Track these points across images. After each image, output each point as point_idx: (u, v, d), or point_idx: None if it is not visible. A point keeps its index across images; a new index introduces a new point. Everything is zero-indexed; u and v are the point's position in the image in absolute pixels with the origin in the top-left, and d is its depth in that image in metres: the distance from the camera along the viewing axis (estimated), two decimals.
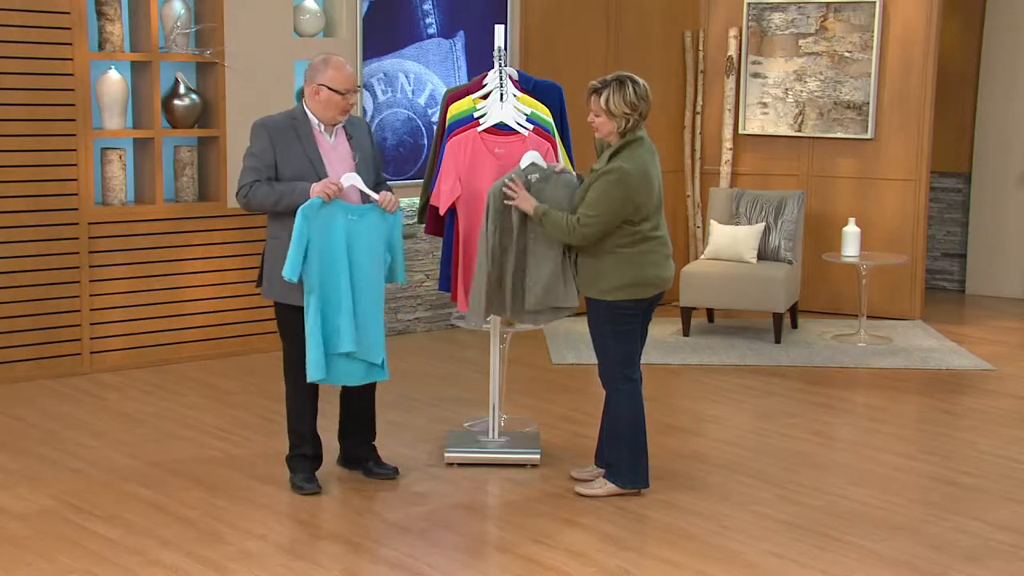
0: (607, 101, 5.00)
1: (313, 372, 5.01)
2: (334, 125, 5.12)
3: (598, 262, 5.10)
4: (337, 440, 5.48)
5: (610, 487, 5.23)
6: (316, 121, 5.10)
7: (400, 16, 8.13)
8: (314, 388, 5.23)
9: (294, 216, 4.97)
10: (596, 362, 5.27)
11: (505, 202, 5.21)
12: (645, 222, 5.07)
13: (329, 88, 5.02)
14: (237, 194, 5.08)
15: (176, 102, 7.30)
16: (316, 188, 4.96)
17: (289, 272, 4.94)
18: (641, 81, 5.07)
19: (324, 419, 5.38)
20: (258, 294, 7.54)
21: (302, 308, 5.04)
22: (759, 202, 8.69)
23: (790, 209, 8.57)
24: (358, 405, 5.38)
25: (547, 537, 4.76)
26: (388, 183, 5.34)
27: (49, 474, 5.41)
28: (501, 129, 5.48)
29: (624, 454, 5.21)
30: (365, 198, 5.11)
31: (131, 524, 4.83)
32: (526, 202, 5.18)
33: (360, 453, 5.41)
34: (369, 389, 5.37)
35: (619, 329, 5.14)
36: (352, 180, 5.05)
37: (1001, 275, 10.15)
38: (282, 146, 5.04)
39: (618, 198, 4.98)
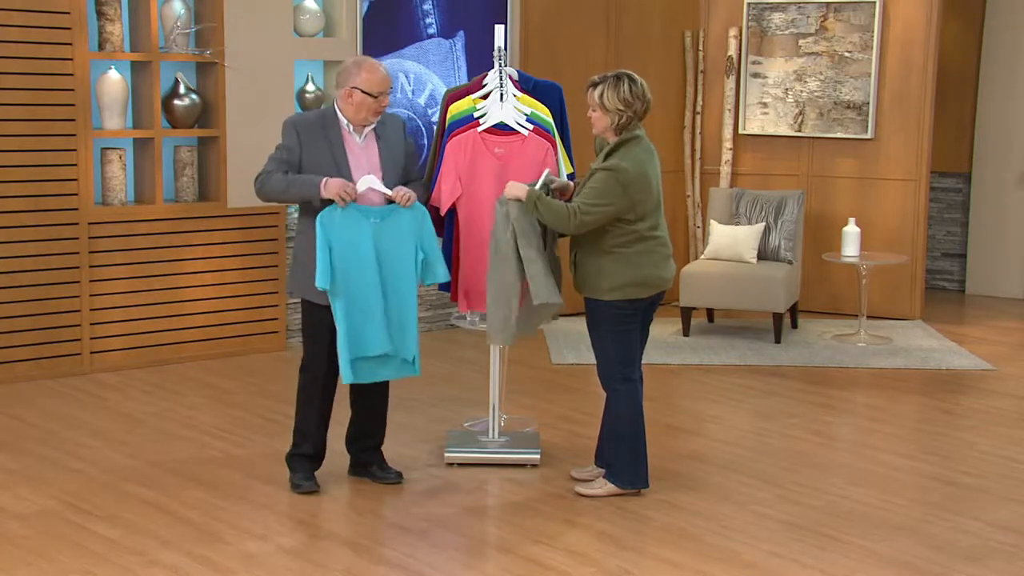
0: (601, 95, 5.04)
1: (344, 376, 5.05)
2: (364, 126, 5.13)
3: (597, 262, 5.10)
4: (345, 447, 5.46)
5: (610, 487, 5.23)
6: (346, 122, 5.10)
7: (400, 16, 8.13)
8: (327, 389, 5.22)
9: (308, 211, 5.02)
10: (595, 362, 5.27)
11: (507, 197, 5.17)
12: (641, 221, 5.07)
13: (362, 91, 5.02)
14: (255, 181, 5.11)
15: (176, 102, 7.30)
16: (333, 186, 4.95)
17: (321, 281, 4.95)
18: (639, 80, 5.08)
19: (335, 424, 5.37)
20: (257, 294, 7.62)
21: (324, 306, 5.06)
22: (759, 202, 8.69)
23: (790, 209, 8.57)
24: (370, 409, 5.36)
25: (547, 537, 4.76)
26: (421, 180, 5.34)
27: (49, 474, 5.41)
28: (501, 129, 5.48)
29: (624, 454, 5.21)
30: (388, 199, 5.12)
31: (131, 524, 4.83)
32: (517, 188, 5.15)
33: (366, 457, 5.41)
34: (383, 393, 5.37)
35: (617, 329, 5.15)
36: (369, 183, 5.04)
37: (1001, 275, 10.15)
38: (309, 144, 5.06)
39: (618, 193, 4.98)
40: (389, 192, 5.06)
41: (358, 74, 5.03)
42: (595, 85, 5.09)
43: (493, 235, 5.25)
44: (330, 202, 4.97)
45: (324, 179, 4.96)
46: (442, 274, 5.19)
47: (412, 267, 5.11)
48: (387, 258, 5.04)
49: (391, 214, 5.06)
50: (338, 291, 4.98)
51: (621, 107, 5.02)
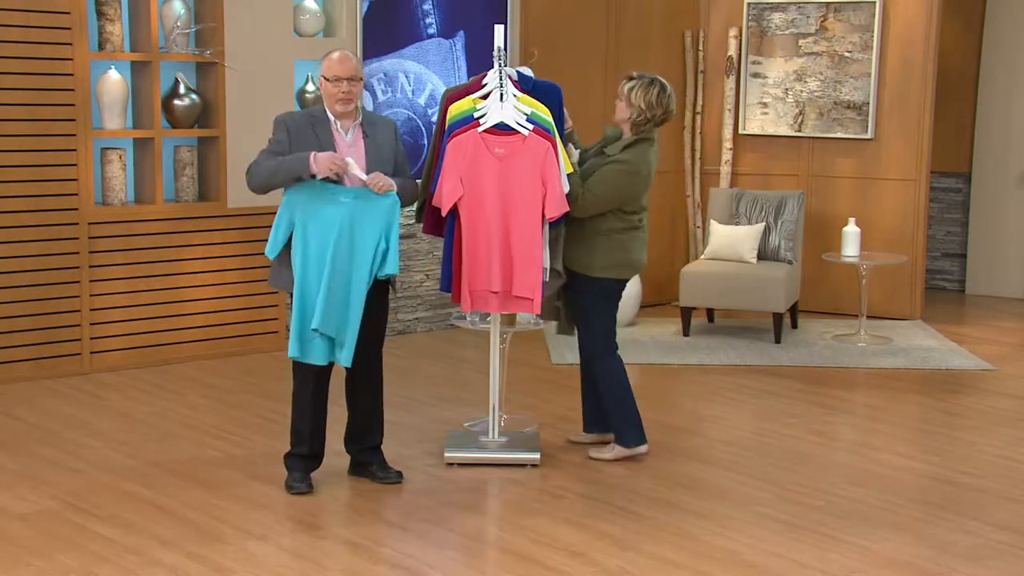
0: (631, 90, 5.56)
1: (290, 348, 5.04)
2: (347, 120, 5.14)
3: (591, 242, 5.56)
4: (344, 447, 5.46)
5: (619, 450, 5.69)
6: (333, 119, 5.13)
7: (400, 16, 8.13)
8: (319, 388, 5.22)
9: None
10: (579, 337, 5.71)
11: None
12: (635, 213, 5.63)
13: (324, 77, 5.09)
14: (245, 174, 5.13)
15: (176, 102, 7.30)
16: (323, 159, 4.96)
17: (268, 249, 5.08)
18: (670, 92, 5.60)
19: (336, 424, 5.37)
20: (258, 294, 7.62)
21: None
22: (759, 202, 8.69)
23: (790, 209, 8.57)
24: (363, 408, 5.37)
25: (547, 537, 4.76)
26: (412, 180, 5.34)
27: (49, 474, 5.41)
28: (501, 129, 5.47)
29: (624, 417, 5.67)
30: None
31: (131, 524, 4.83)
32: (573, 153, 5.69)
33: (365, 457, 5.41)
34: (376, 390, 5.37)
35: (605, 305, 5.66)
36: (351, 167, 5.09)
37: (1001, 275, 10.15)
38: (299, 139, 5.08)
39: (624, 188, 5.54)
40: (364, 177, 5.07)
41: (323, 63, 5.13)
42: (630, 79, 5.60)
43: None
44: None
45: (313, 153, 4.98)
46: (392, 267, 5.12)
47: (370, 257, 5.09)
48: (349, 243, 5.04)
49: (361, 196, 5.06)
50: (296, 265, 5.01)
51: (643, 107, 5.54)
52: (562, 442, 5.97)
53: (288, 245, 5.08)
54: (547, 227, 5.52)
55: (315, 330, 5.01)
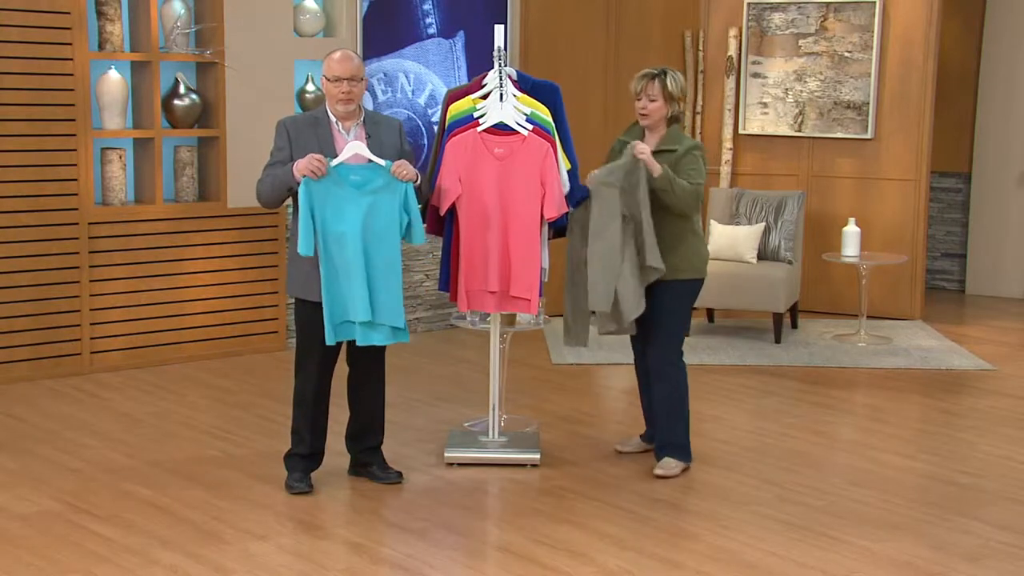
0: (670, 84, 5.36)
1: (327, 335, 5.02)
2: (349, 120, 5.13)
3: (682, 244, 5.41)
4: (345, 447, 5.46)
5: (682, 464, 5.55)
6: (335, 119, 5.13)
7: (400, 16, 8.13)
8: (323, 388, 5.22)
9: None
10: (657, 344, 5.56)
11: (638, 156, 5.27)
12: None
13: (324, 77, 5.08)
14: (256, 192, 5.16)
15: (176, 102, 7.30)
16: (300, 164, 4.96)
17: (303, 248, 4.95)
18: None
19: (336, 424, 5.37)
20: (257, 294, 7.63)
21: (315, 303, 5.05)
22: (759, 202, 8.69)
23: (790, 209, 8.57)
24: (365, 405, 5.37)
25: (547, 537, 4.76)
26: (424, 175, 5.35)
27: (49, 474, 5.41)
28: (501, 129, 5.48)
29: (683, 431, 5.58)
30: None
31: (131, 524, 4.83)
32: (655, 163, 5.29)
33: (366, 457, 5.41)
34: (378, 390, 5.37)
35: (692, 307, 5.61)
36: (356, 148, 5.05)
37: (1001, 275, 10.15)
38: (299, 142, 5.08)
39: (704, 168, 5.38)
40: (382, 162, 5.05)
41: (325, 63, 5.11)
42: (655, 77, 5.36)
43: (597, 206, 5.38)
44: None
45: (295, 162, 4.99)
46: (419, 237, 5.13)
47: (396, 229, 5.07)
48: (370, 221, 5.02)
49: (376, 177, 5.03)
50: (322, 254, 4.97)
51: (682, 95, 5.39)
52: (563, 442, 5.97)
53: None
54: (545, 227, 5.53)
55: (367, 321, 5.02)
